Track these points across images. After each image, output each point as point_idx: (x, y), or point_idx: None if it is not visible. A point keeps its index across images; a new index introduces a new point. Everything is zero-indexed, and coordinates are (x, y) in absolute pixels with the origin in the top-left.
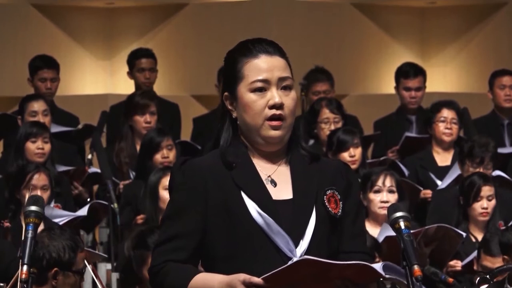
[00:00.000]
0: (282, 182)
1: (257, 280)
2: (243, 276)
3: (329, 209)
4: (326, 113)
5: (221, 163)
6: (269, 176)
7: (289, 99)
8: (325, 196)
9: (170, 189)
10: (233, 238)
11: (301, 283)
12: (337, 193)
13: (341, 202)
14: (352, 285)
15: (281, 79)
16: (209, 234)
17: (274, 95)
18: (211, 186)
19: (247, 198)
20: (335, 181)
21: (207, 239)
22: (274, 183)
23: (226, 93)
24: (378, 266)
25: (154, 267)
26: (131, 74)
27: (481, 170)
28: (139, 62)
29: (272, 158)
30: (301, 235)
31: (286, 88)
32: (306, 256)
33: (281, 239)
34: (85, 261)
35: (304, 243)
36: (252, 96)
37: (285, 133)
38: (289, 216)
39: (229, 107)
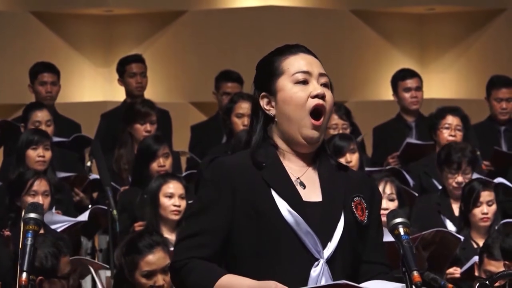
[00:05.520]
0: (311, 185)
1: None
2: (274, 284)
3: (356, 215)
4: (334, 119)
5: (251, 162)
6: (298, 178)
7: (328, 95)
8: (352, 203)
9: (197, 186)
10: (261, 236)
11: None
12: (364, 201)
13: (367, 211)
14: None
15: (321, 75)
16: (235, 232)
17: (316, 86)
18: (239, 184)
19: (278, 196)
20: (362, 189)
21: (232, 237)
22: (303, 185)
23: (263, 93)
24: None
25: (176, 262)
26: (121, 81)
27: (460, 175)
28: (130, 67)
29: (301, 161)
30: (329, 238)
31: (326, 85)
32: (344, 281)
33: (309, 239)
34: (90, 268)
35: (331, 245)
36: (294, 87)
37: (321, 135)
38: (318, 218)
39: (266, 106)
